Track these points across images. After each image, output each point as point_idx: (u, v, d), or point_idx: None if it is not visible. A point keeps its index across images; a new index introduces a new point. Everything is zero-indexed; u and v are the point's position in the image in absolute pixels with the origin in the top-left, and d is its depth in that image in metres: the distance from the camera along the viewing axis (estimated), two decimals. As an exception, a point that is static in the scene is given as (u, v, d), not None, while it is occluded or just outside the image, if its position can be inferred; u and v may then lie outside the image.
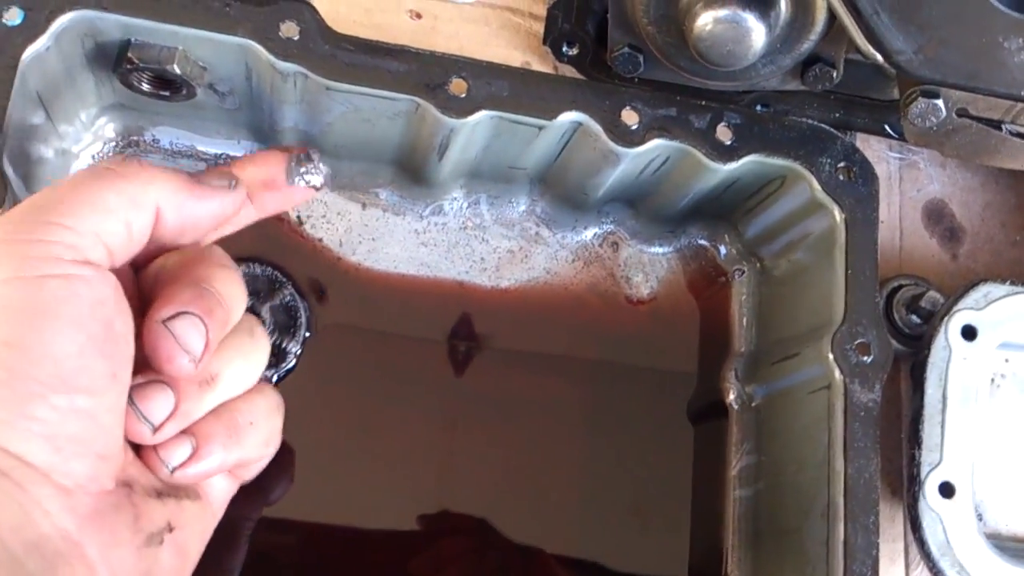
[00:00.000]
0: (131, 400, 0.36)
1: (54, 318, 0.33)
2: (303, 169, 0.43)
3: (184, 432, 0.38)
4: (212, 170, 0.41)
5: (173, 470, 0.38)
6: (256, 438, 0.41)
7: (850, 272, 0.51)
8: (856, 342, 0.50)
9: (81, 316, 0.33)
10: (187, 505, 0.39)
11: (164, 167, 0.38)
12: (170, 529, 0.37)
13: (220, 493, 0.42)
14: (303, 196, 0.44)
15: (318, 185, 0.43)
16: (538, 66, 0.57)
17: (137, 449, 0.38)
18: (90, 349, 0.33)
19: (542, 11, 0.57)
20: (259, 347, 0.41)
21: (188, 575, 0.39)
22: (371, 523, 0.53)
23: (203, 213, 0.39)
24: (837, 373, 0.50)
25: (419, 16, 0.58)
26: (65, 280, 0.33)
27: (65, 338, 0.33)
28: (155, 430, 0.37)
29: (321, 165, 0.43)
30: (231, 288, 0.39)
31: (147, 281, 0.39)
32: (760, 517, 0.55)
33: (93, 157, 0.52)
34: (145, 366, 0.36)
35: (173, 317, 0.36)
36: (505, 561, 0.54)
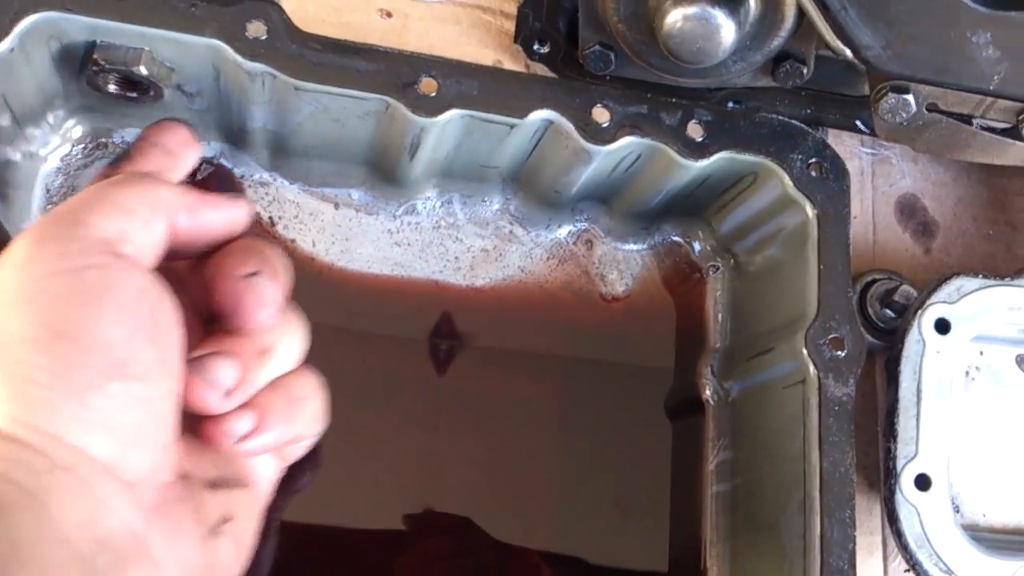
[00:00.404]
0: (196, 370, 0.36)
1: (99, 306, 0.33)
2: None
3: (245, 405, 0.38)
4: None
5: (237, 441, 0.38)
6: (309, 412, 0.41)
7: (822, 267, 0.51)
8: (829, 337, 0.50)
9: (125, 303, 0.34)
10: (239, 494, 0.39)
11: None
12: (227, 519, 0.38)
13: (266, 479, 0.42)
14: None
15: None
16: (510, 65, 0.57)
17: (193, 431, 0.38)
18: (138, 336, 0.34)
19: (513, 9, 0.56)
20: (300, 325, 0.42)
21: (244, 564, 0.39)
22: (356, 524, 0.53)
23: (216, 219, 0.40)
24: (811, 368, 0.50)
25: (389, 15, 0.57)
26: (103, 270, 0.34)
27: (113, 325, 0.33)
28: (226, 394, 0.37)
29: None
30: (282, 258, 0.40)
31: (192, 272, 0.40)
32: (738, 512, 0.55)
33: (61, 160, 0.52)
34: (199, 342, 0.37)
35: (252, 274, 0.38)
36: (489, 558, 0.54)
